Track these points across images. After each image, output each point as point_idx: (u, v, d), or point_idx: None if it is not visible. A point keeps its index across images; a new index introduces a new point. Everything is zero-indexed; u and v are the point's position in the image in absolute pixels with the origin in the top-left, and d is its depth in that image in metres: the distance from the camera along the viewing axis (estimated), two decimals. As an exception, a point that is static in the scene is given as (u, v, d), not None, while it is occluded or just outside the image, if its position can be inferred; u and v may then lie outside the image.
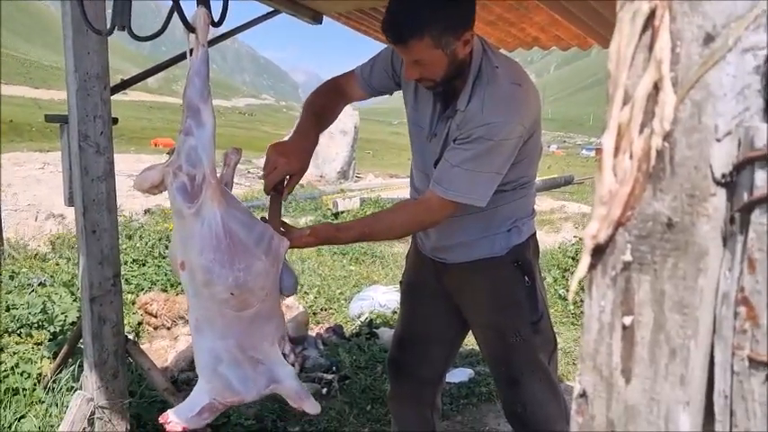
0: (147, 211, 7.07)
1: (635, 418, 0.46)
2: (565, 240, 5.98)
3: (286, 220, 1.56)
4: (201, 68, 1.29)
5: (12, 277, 3.93)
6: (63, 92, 2.06)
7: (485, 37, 1.68)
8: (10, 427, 2.31)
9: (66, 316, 3.20)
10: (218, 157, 1.34)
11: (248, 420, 2.62)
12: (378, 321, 4.08)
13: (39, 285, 3.79)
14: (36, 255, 4.78)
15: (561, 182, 15.09)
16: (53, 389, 2.49)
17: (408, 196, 1.87)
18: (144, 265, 4.57)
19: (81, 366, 2.33)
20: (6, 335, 2.98)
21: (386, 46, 1.74)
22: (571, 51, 3.22)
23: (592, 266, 0.47)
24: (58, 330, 3.07)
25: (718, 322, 0.42)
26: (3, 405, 2.40)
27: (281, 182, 1.49)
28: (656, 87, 0.43)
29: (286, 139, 1.67)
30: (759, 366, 0.40)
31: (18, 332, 3.03)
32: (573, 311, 4.39)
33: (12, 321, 3.08)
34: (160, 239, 5.07)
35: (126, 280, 4.10)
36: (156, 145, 21.52)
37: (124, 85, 2.39)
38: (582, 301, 0.58)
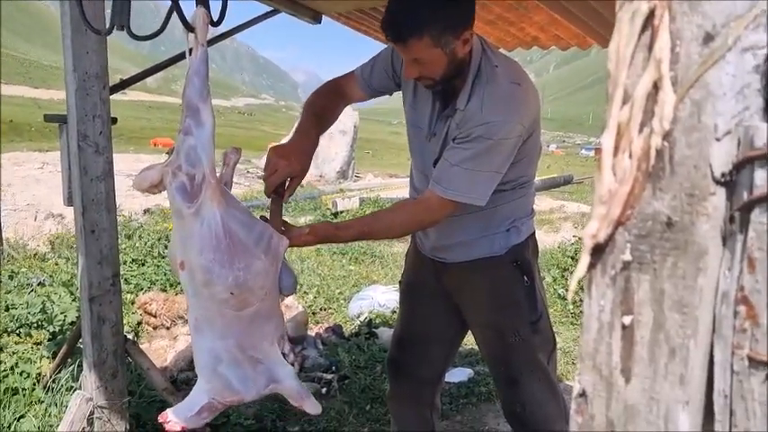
0: (146, 211, 7.06)
1: (634, 417, 0.46)
2: (564, 240, 5.98)
3: (285, 219, 1.56)
4: (201, 68, 1.29)
5: (11, 277, 3.93)
6: (62, 92, 2.06)
7: (484, 36, 1.68)
8: (9, 426, 2.31)
9: (65, 316, 3.20)
10: (217, 157, 1.34)
11: (248, 420, 2.62)
12: (377, 321, 4.08)
13: (38, 285, 3.79)
14: (35, 254, 4.78)
15: (560, 181, 15.11)
16: (52, 388, 2.49)
17: (408, 196, 1.87)
18: (143, 264, 4.57)
19: (80, 366, 2.33)
20: (6, 335, 2.98)
21: (386, 46, 1.75)
22: (570, 51, 3.23)
23: (591, 266, 0.47)
24: (57, 330, 3.08)
25: (718, 321, 0.42)
26: (2, 405, 2.40)
27: (281, 184, 1.48)
28: (656, 87, 0.43)
29: (286, 139, 1.67)
30: (759, 366, 0.40)
31: (17, 332, 3.03)
32: (572, 311, 4.39)
33: (11, 321, 3.08)
34: (159, 239, 5.07)
35: (125, 280, 4.10)
36: (155, 145, 21.51)
37: (123, 84, 2.39)
38: (581, 300, 0.58)
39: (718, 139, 0.41)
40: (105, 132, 2.06)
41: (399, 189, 9.87)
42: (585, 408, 0.48)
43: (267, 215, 1.50)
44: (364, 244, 6.07)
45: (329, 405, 2.87)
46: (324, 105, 1.69)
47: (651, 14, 0.43)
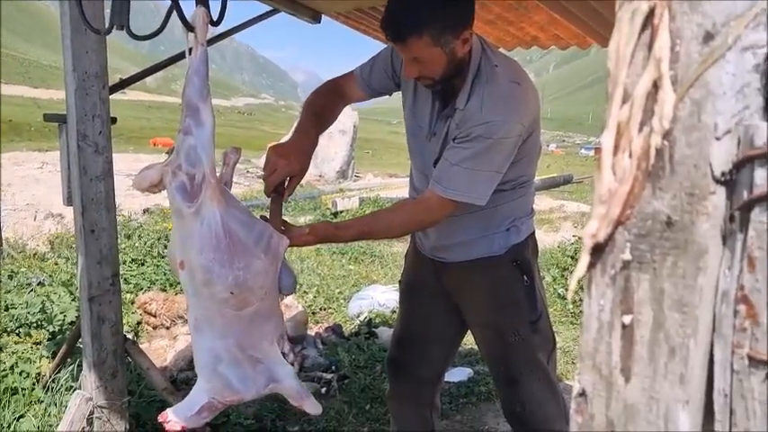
0: (145, 211, 7.06)
1: (634, 417, 0.46)
2: (564, 239, 5.99)
3: (285, 219, 1.56)
4: (200, 68, 1.29)
5: (11, 277, 3.93)
6: (62, 91, 2.05)
7: (484, 36, 1.68)
8: (9, 426, 2.31)
9: (64, 315, 3.20)
10: (217, 157, 1.34)
11: (247, 420, 2.62)
12: (377, 321, 4.08)
13: (38, 285, 3.79)
14: (35, 254, 4.78)
15: (560, 181, 15.11)
16: (52, 388, 2.49)
17: (408, 196, 1.87)
18: (143, 264, 4.57)
19: (80, 366, 2.33)
20: (5, 334, 2.98)
21: (385, 46, 1.74)
22: (570, 50, 3.23)
23: (591, 265, 0.47)
24: (56, 330, 3.07)
25: (718, 321, 0.42)
26: (2, 405, 2.40)
27: (281, 183, 1.48)
28: (656, 86, 0.43)
29: (285, 138, 1.67)
30: (759, 365, 0.40)
31: (17, 332, 3.03)
32: (572, 310, 4.39)
33: (11, 321, 3.08)
34: (159, 239, 5.07)
35: (125, 279, 4.10)
36: (154, 144, 21.51)
37: (123, 84, 2.39)
38: (581, 300, 0.58)
39: (718, 139, 0.41)
40: (105, 132, 2.06)
41: (399, 189, 9.87)
42: (585, 407, 0.48)
43: (267, 215, 1.50)
44: (364, 244, 6.07)
45: (329, 405, 2.87)
46: (323, 105, 1.69)
47: (651, 13, 0.43)
